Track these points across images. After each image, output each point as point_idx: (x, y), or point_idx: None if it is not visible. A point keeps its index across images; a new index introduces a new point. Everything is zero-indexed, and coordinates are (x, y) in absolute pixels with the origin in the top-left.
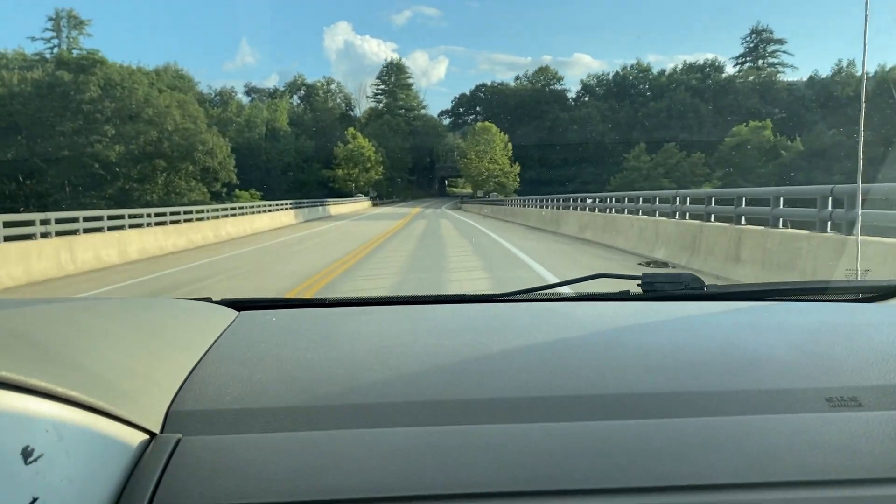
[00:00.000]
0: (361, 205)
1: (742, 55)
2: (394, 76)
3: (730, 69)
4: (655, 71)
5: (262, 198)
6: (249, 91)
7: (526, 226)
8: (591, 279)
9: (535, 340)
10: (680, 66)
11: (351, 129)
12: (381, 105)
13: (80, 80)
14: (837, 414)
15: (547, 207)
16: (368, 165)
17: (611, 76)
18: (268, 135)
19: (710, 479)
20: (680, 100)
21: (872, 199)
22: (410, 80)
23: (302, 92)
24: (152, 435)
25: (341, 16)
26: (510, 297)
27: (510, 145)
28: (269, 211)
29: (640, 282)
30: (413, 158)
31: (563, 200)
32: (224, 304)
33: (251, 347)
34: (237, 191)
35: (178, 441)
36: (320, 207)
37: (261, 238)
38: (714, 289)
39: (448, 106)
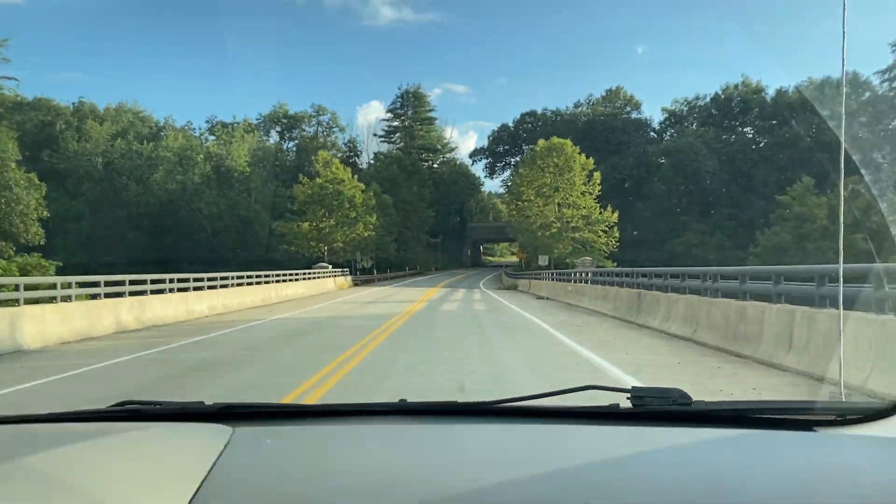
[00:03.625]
0: (306, 288)
1: (891, 67)
2: (410, 108)
3: (875, 83)
4: (771, 90)
5: (85, 270)
6: (214, 128)
7: None
8: (581, 390)
9: (529, 470)
10: (804, 81)
11: (322, 153)
12: (395, 149)
13: None
14: None
15: None
16: (353, 214)
17: (707, 99)
18: (217, 178)
19: None
20: (823, 126)
21: None
22: (433, 114)
23: (280, 127)
24: None
25: (374, 95)
26: (500, 407)
27: (597, 176)
28: None
29: (629, 395)
30: (437, 214)
31: None
32: (218, 413)
33: (247, 480)
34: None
35: None
36: None
37: None
38: (701, 405)
39: (483, 143)
